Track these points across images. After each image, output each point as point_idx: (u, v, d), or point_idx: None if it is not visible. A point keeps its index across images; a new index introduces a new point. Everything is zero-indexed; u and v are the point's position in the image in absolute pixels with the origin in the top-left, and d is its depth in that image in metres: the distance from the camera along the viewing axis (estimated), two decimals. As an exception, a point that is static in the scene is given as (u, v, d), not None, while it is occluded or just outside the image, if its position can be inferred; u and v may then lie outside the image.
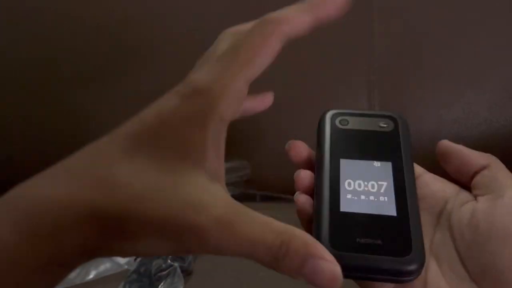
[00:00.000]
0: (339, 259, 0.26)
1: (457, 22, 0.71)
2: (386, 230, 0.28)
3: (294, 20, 0.26)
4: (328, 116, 0.33)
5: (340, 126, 0.32)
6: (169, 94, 0.25)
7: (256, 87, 0.34)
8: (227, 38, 0.28)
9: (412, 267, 0.26)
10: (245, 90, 0.25)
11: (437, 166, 0.73)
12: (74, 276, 0.51)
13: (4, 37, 0.72)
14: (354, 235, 0.27)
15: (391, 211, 0.28)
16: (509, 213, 0.26)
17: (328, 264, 0.21)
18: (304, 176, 0.30)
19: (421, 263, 0.26)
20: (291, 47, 0.80)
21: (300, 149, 0.32)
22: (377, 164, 0.31)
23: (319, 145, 0.32)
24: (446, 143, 0.32)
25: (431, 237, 0.29)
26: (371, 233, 0.27)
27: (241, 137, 0.71)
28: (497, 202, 0.26)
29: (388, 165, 0.30)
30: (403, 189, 0.29)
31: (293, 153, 0.32)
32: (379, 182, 0.30)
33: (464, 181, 0.30)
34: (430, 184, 0.31)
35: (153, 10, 0.71)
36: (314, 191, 0.30)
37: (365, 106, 0.70)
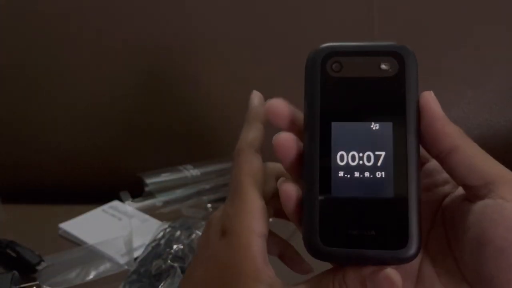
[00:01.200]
0: (330, 256, 0.25)
1: (457, 22, 0.71)
2: (381, 217, 0.25)
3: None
4: (318, 58, 0.27)
5: (332, 74, 0.26)
6: (208, 242, 0.29)
7: (257, 88, 0.34)
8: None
9: (407, 258, 0.25)
10: (262, 202, 0.27)
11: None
12: (74, 276, 0.51)
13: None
14: (345, 227, 0.25)
15: (388, 192, 0.25)
16: (506, 225, 0.23)
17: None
18: (288, 145, 0.27)
19: (417, 252, 0.25)
20: (291, 48, 0.80)
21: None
22: (375, 126, 0.25)
23: (307, 102, 0.27)
24: (426, 98, 0.26)
25: (428, 231, 0.28)
26: (364, 222, 0.25)
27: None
28: (493, 208, 0.24)
29: (389, 127, 0.25)
30: (404, 160, 0.25)
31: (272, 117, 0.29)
32: (376, 152, 0.25)
33: (432, 154, 0.26)
34: (434, 173, 0.29)
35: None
36: (302, 165, 0.26)
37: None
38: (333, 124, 0.26)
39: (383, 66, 0.26)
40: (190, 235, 0.54)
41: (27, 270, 0.51)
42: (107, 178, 0.73)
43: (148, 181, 0.67)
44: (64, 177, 0.74)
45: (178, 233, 0.53)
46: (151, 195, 0.67)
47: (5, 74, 0.73)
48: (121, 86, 0.73)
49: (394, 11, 0.71)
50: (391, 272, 0.24)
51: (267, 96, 0.30)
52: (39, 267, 0.51)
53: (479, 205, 0.24)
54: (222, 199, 0.66)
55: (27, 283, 0.48)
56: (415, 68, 0.27)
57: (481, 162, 0.25)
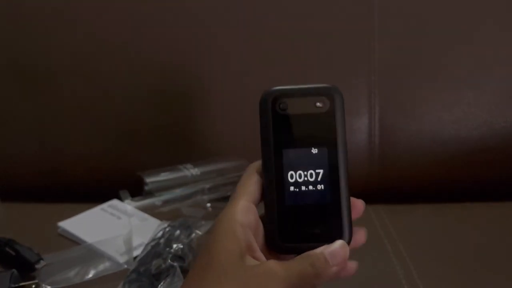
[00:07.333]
0: (285, 249, 0.33)
1: (457, 23, 0.71)
2: (322, 218, 0.33)
3: None
4: (269, 100, 0.34)
5: (280, 112, 0.33)
6: None
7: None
8: None
9: None
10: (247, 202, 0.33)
11: (436, 166, 0.73)
12: (73, 275, 0.51)
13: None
14: (297, 227, 0.33)
15: (327, 199, 0.33)
16: None
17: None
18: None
19: (349, 241, 0.32)
20: (292, 48, 0.80)
21: None
22: (314, 150, 0.33)
23: (262, 136, 0.34)
24: None
25: None
26: (310, 223, 0.33)
27: (241, 137, 0.71)
28: None
29: (324, 151, 0.33)
30: (336, 175, 0.33)
31: None
32: (317, 170, 0.33)
33: None
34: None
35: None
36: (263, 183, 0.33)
37: (365, 106, 0.70)
38: (283, 151, 0.33)
39: (318, 104, 0.33)
40: (189, 234, 0.54)
41: (26, 268, 0.51)
42: (106, 176, 0.73)
43: (148, 180, 0.67)
44: (63, 175, 0.74)
45: (178, 232, 0.53)
46: (150, 194, 0.67)
47: (4, 73, 0.73)
48: (120, 86, 0.73)
49: (395, 11, 0.71)
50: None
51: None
52: (38, 266, 0.51)
53: None
54: (221, 199, 0.67)
55: (26, 281, 0.48)
56: (341, 103, 0.34)
57: None
